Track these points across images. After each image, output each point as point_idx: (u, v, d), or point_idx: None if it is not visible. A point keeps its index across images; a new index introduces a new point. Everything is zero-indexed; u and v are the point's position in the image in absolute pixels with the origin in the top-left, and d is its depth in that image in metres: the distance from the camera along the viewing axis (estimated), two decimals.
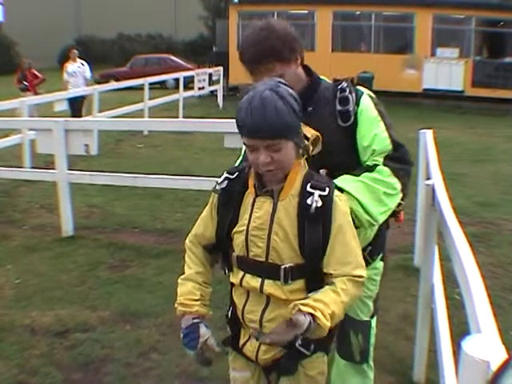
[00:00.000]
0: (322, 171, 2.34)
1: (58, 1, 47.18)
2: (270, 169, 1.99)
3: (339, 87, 2.47)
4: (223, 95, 20.71)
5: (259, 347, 2.16)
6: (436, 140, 5.18)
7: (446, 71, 21.52)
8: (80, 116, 13.23)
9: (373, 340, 2.81)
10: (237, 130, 2.04)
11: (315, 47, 22.28)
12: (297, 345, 2.10)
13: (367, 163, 2.39)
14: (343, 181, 2.28)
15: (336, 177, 2.32)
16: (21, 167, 9.28)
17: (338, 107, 2.44)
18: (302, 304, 1.89)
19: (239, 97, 2.05)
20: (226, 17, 25.21)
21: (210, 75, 20.00)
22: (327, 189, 2.04)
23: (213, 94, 21.02)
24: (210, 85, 19.81)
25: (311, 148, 2.12)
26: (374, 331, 2.80)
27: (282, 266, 1.99)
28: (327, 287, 1.99)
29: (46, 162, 8.52)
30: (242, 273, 2.13)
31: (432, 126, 5.73)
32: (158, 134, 13.10)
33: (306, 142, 2.08)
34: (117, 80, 25.55)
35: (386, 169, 2.35)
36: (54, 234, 6.70)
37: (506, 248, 6.19)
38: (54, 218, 7.10)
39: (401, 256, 5.74)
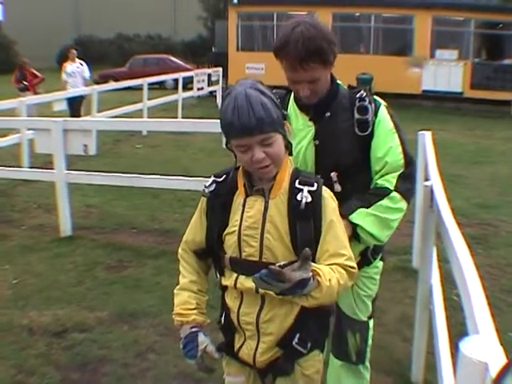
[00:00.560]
0: (332, 174, 2.43)
1: (58, 0, 47.19)
2: (266, 164, 1.99)
3: (358, 96, 2.48)
4: (222, 96, 20.60)
5: (256, 349, 2.16)
6: (435, 141, 5.18)
7: (445, 73, 21.55)
8: (79, 116, 13.21)
9: (370, 341, 2.81)
10: None
11: None
12: (294, 343, 2.12)
13: (379, 183, 2.44)
14: (359, 216, 2.36)
15: (345, 180, 2.44)
16: (19, 167, 9.27)
17: (357, 116, 2.46)
18: None
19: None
20: (226, 17, 25.23)
21: (209, 76, 20.01)
22: (315, 184, 2.05)
23: (212, 94, 21.00)
24: (209, 85, 19.81)
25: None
26: (371, 332, 2.80)
27: (277, 264, 1.98)
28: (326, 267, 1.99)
29: (45, 162, 8.51)
30: (235, 274, 2.12)
31: (431, 127, 5.74)
32: (156, 135, 13.12)
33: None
34: (116, 80, 25.54)
35: (397, 195, 2.41)
36: (52, 234, 6.69)
37: (504, 249, 6.20)
38: (52, 218, 7.10)
39: (399, 257, 5.74)
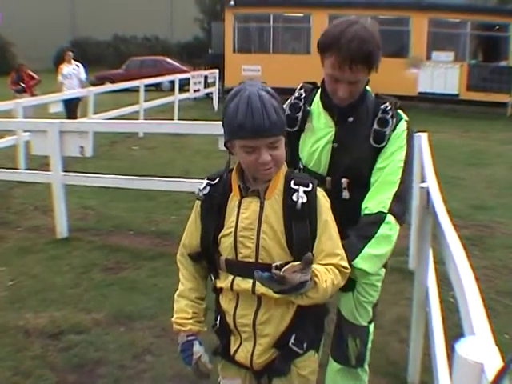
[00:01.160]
0: (343, 180, 2.44)
1: (54, 2, 47.21)
2: (270, 167, 2.00)
3: (382, 107, 2.45)
4: (219, 97, 20.69)
5: (253, 351, 2.16)
6: (431, 143, 5.19)
7: (442, 75, 21.60)
8: (75, 118, 13.21)
9: (370, 345, 2.80)
10: None
11: (311, 50, 22.26)
12: (290, 344, 2.13)
13: (372, 207, 2.35)
14: (362, 261, 2.26)
15: (354, 188, 2.44)
16: (15, 169, 9.26)
17: (375, 126, 2.43)
18: None
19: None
20: (222, 19, 25.22)
21: (206, 77, 20.06)
22: (310, 184, 2.06)
23: (208, 96, 21.04)
24: (205, 87, 19.86)
25: None
26: (371, 337, 2.80)
27: (273, 265, 1.99)
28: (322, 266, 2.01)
29: (41, 164, 8.49)
30: (231, 276, 2.12)
31: (427, 129, 5.73)
32: (153, 136, 13.12)
33: None
34: (112, 82, 25.53)
35: (392, 219, 2.32)
36: (48, 235, 6.68)
37: (500, 251, 6.21)
38: (48, 220, 7.09)
39: (395, 259, 5.72)
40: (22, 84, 14.24)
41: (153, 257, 5.97)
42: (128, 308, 4.74)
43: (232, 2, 23.60)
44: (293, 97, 2.64)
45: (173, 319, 2.26)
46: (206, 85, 20.14)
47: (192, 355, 2.19)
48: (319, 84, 2.59)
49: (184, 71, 25.34)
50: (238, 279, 2.10)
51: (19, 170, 9.37)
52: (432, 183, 3.43)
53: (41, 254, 6.09)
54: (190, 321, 2.22)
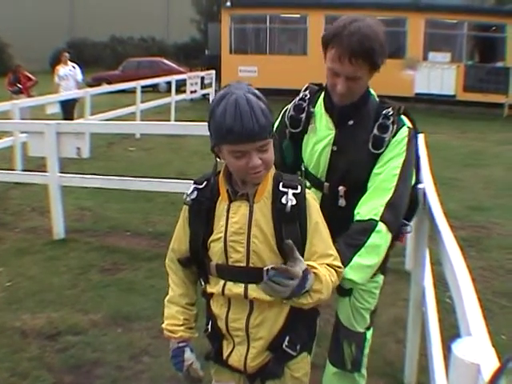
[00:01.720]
0: (340, 188, 2.43)
1: (51, 3, 47.16)
2: (260, 170, 1.97)
3: (384, 112, 2.41)
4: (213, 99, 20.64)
5: (247, 355, 2.16)
6: (427, 144, 5.19)
7: (438, 76, 21.62)
8: (72, 119, 13.20)
9: (367, 350, 2.79)
10: None
11: (307, 51, 22.28)
12: (283, 346, 2.12)
13: (364, 213, 2.30)
14: (352, 271, 2.18)
15: (351, 196, 2.41)
16: (12, 170, 9.25)
17: (375, 131, 2.39)
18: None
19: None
20: (219, 20, 25.25)
21: (202, 79, 20.06)
22: (299, 187, 2.04)
23: (205, 97, 21.01)
24: (202, 88, 19.86)
25: None
26: (368, 343, 2.79)
27: (265, 268, 1.96)
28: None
29: (38, 165, 8.49)
30: (222, 281, 2.10)
31: (424, 130, 5.71)
32: (149, 137, 13.12)
33: None
34: (109, 83, 25.45)
35: (383, 227, 2.26)
36: (45, 236, 6.68)
37: (497, 252, 6.22)
38: (45, 221, 7.09)
39: (392, 260, 5.70)
40: (18, 85, 14.22)
41: (150, 258, 5.97)
42: (125, 309, 4.74)
43: (228, 3, 23.62)
44: (297, 98, 2.62)
45: (163, 326, 2.25)
46: (203, 86, 20.14)
47: (183, 362, 2.19)
48: (324, 85, 2.57)
49: (181, 72, 25.31)
50: (230, 284, 2.08)
51: (16, 171, 9.36)
52: (428, 184, 3.43)
53: (38, 255, 6.09)
54: (181, 327, 2.22)
